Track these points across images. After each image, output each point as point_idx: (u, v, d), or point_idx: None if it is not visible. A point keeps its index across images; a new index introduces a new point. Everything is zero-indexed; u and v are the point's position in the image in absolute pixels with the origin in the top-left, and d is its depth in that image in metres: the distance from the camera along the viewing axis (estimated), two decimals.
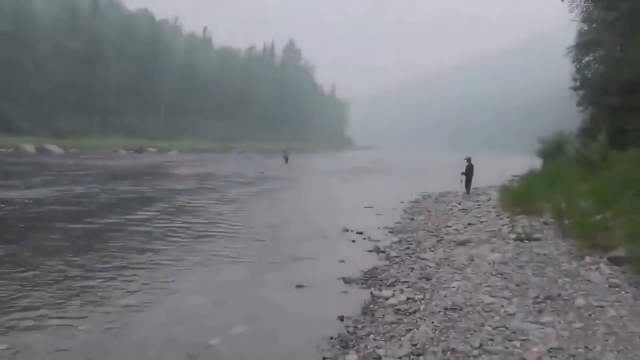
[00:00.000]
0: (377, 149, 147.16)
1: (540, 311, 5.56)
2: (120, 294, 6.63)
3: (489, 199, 18.35)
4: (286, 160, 44.41)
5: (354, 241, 10.61)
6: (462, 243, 9.77)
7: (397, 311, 5.81)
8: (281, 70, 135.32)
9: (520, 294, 6.21)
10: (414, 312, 5.72)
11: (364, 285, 7.25)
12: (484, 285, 6.70)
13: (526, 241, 9.37)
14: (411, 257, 8.97)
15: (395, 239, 10.84)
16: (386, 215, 14.73)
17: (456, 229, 11.72)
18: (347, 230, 11.78)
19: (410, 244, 10.18)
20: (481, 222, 12.65)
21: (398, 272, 7.82)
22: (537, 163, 29.65)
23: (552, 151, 30.72)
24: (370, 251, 9.67)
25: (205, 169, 33.38)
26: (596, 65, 30.43)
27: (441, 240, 10.47)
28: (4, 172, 24.13)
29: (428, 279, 7.26)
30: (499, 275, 7.15)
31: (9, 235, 10.06)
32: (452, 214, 14.68)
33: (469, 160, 20.87)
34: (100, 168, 31.16)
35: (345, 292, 6.97)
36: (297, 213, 14.59)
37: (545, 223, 11.09)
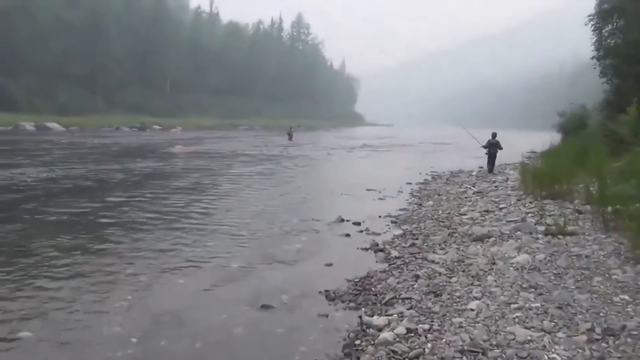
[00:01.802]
0: (388, 126, 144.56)
1: (602, 359, 3.79)
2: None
3: (507, 180, 16.49)
4: (290, 137, 42.53)
5: (348, 235, 8.82)
6: (479, 238, 7.98)
7: (392, 354, 4.05)
8: (289, 45, 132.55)
9: (566, 324, 4.44)
10: (416, 357, 3.97)
11: (351, 304, 5.50)
12: (513, 306, 4.93)
13: (559, 236, 7.55)
14: (416, 258, 7.20)
15: (399, 231, 9.05)
16: (390, 200, 12.95)
17: (471, 218, 9.91)
18: (343, 220, 10.02)
19: (416, 238, 8.39)
20: (500, 208, 10.83)
21: (398, 282, 6.06)
22: (548, 139, 27.63)
23: (573, 126, 28.64)
24: (367, 249, 7.90)
25: (203, 146, 31.67)
26: (620, 34, 28.74)
27: (453, 233, 8.68)
28: None
29: (437, 295, 5.50)
30: (532, 290, 5.37)
31: None
32: (465, 198, 12.85)
33: (494, 135, 18.93)
34: (95, 147, 29.62)
35: (326, 315, 5.21)
36: (287, 199, 12.79)
37: (578, 211, 9.26)
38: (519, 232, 8.05)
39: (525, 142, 36.48)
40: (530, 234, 7.92)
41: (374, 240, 8.38)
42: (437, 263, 6.78)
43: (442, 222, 9.80)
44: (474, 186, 14.91)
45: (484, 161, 23.59)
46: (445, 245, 7.93)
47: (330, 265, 7.01)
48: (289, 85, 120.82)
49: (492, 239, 7.88)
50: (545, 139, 24.14)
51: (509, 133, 48.16)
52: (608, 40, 27.83)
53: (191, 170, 18.71)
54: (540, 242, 7.40)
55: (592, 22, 32.22)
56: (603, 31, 28.70)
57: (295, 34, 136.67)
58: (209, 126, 72.92)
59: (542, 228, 8.19)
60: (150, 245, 7.73)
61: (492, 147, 18.89)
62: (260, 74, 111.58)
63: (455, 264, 6.67)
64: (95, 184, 14.58)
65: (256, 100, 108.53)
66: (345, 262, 7.16)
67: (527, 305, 4.92)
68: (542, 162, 17.88)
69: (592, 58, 27.32)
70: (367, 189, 14.62)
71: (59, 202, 11.24)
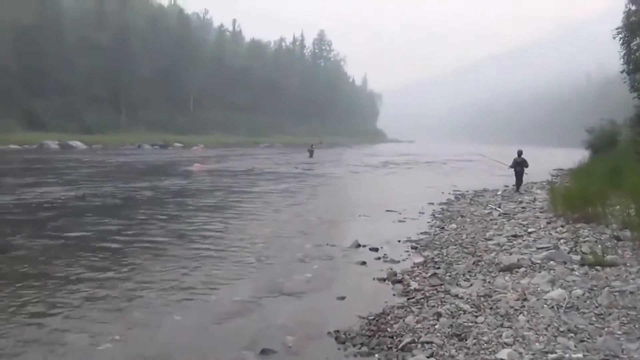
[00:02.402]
0: (410, 142, 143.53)
1: None
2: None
3: (534, 200, 15.67)
4: (311, 154, 42.10)
5: (364, 263, 8.18)
6: (507, 268, 7.27)
7: None
8: (311, 62, 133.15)
9: None
10: None
11: (363, 348, 4.86)
12: (550, 357, 4.24)
13: (597, 267, 6.81)
14: (438, 291, 6.53)
15: (419, 258, 8.38)
16: (411, 222, 12.27)
17: (498, 244, 9.18)
18: (360, 246, 9.38)
19: (438, 267, 7.72)
20: (529, 233, 10.07)
21: (417, 322, 5.40)
22: (575, 156, 26.65)
23: (603, 143, 27.61)
24: (384, 280, 7.24)
25: (221, 164, 31.39)
26: None
27: (479, 261, 7.97)
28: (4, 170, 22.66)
29: (462, 338, 4.83)
30: (571, 335, 4.67)
31: None
32: (491, 220, 12.10)
33: (519, 153, 18.41)
34: (112, 165, 29.59)
35: None
36: (302, 222, 12.18)
37: (616, 237, 8.45)
38: (551, 262, 7.32)
39: (552, 160, 35.44)
40: (564, 264, 7.19)
41: (391, 269, 7.73)
42: (462, 298, 6.10)
43: (466, 248, 9.10)
44: (499, 207, 14.13)
45: (508, 179, 22.81)
46: (470, 275, 7.24)
47: (342, 299, 6.38)
48: (311, 102, 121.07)
49: (522, 269, 7.16)
50: (572, 156, 23.17)
51: (534, 150, 47.06)
52: (637, 54, 27.00)
53: (205, 190, 18.32)
54: (577, 273, 6.67)
55: (620, 36, 31.27)
56: (632, 44, 27.89)
57: (317, 50, 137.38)
58: (230, 143, 73.13)
59: (577, 257, 7.45)
60: (150, 275, 7.22)
61: (518, 166, 18.39)
62: (282, 91, 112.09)
63: (482, 299, 5.99)
64: (100, 204, 14.22)
65: (279, 117, 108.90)
66: (359, 295, 6.53)
67: (567, 356, 4.22)
68: (572, 182, 17.08)
69: (621, 72, 26.42)
70: (386, 210, 13.99)
71: (57, 227, 10.85)
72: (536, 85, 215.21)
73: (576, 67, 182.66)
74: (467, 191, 19.08)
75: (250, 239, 9.84)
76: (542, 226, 10.71)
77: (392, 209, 14.09)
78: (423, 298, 6.27)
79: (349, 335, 5.20)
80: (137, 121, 76.13)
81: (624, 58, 26.57)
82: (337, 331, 5.27)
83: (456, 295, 6.22)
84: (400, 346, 4.81)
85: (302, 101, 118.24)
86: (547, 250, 8.28)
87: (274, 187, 19.77)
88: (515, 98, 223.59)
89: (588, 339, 4.58)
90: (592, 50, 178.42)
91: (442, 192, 18.49)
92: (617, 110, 40.82)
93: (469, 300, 5.99)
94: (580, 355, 4.22)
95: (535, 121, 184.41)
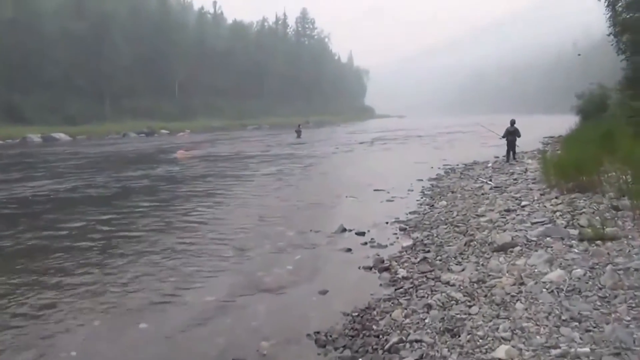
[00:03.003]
0: (400, 117, 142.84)
1: None
2: None
3: (526, 170, 15.23)
4: (298, 135, 41.38)
5: (349, 250, 7.68)
6: (501, 248, 6.79)
7: None
8: (295, 41, 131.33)
9: None
10: None
11: (346, 352, 4.38)
12: (554, 352, 3.77)
13: (597, 242, 6.36)
14: (428, 278, 6.05)
15: (408, 241, 7.88)
16: (399, 201, 11.79)
17: (490, 220, 8.71)
18: (345, 230, 8.88)
19: (428, 250, 7.24)
20: (522, 206, 9.61)
21: (405, 317, 4.92)
22: (565, 123, 26.19)
23: (593, 107, 27.12)
24: (370, 268, 6.75)
25: (207, 150, 30.68)
26: (636, 6, 27.59)
27: (471, 241, 7.49)
28: None
29: (454, 335, 4.35)
30: (575, 324, 4.20)
31: None
32: (482, 195, 11.62)
33: (512, 123, 18.17)
34: (95, 155, 28.82)
35: None
36: (286, 207, 11.60)
37: (615, 207, 7.99)
38: (548, 239, 6.86)
39: (542, 127, 34.96)
40: (562, 241, 6.72)
41: (378, 256, 7.24)
42: (453, 285, 5.61)
43: (457, 226, 8.62)
44: (490, 180, 13.67)
45: (499, 150, 22.35)
46: (462, 258, 6.77)
47: (324, 293, 5.89)
48: (297, 82, 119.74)
49: (517, 248, 6.69)
50: (561, 122, 22.69)
51: (523, 118, 46.61)
52: (623, 15, 26.49)
53: (188, 177, 17.72)
54: (576, 250, 6.21)
55: None
56: (617, 6, 27.33)
57: (300, 29, 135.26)
58: (217, 127, 72.20)
59: (574, 232, 6.99)
60: (118, 276, 6.69)
61: (511, 135, 18.12)
62: (267, 72, 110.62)
63: (475, 286, 5.51)
64: (75, 198, 13.60)
65: (265, 99, 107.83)
66: (343, 287, 6.04)
67: (572, 350, 3.75)
68: (564, 150, 16.59)
69: (608, 35, 25.86)
70: (374, 189, 13.48)
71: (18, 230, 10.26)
72: (524, 55, 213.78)
73: (564, 34, 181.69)
74: (457, 165, 18.61)
75: (230, 228, 9.31)
76: (535, 198, 10.25)
77: (380, 187, 13.60)
78: (412, 287, 5.79)
79: (331, 336, 4.71)
80: (121, 110, 74.73)
81: (609, 20, 26.04)
82: (318, 332, 4.79)
83: (447, 283, 5.74)
84: (386, 347, 4.32)
85: (288, 81, 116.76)
86: (543, 224, 7.81)
87: (259, 170, 19.18)
88: (504, 68, 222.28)
89: (594, 327, 4.12)
90: (578, 15, 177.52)
91: (432, 167, 18.01)
92: (603, 75, 40.33)
93: (462, 287, 5.51)
94: (587, 349, 3.75)
95: (524, 90, 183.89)
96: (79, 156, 28.47)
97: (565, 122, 26.41)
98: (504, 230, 7.78)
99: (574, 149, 13.92)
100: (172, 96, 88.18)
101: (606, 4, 29.90)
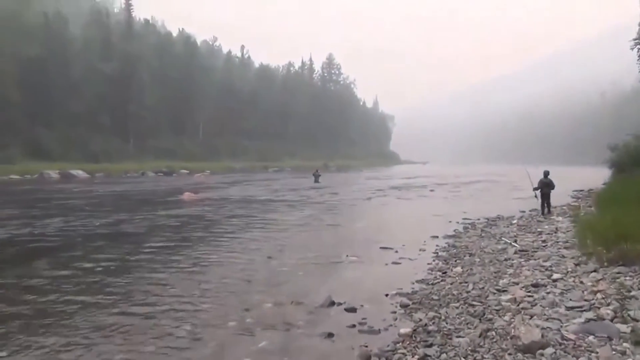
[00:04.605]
0: (423, 163, 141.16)
1: None
2: None
3: (556, 230, 13.43)
4: (316, 179, 40.05)
5: (330, 336, 5.99)
6: (527, 349, 5.07)
7: None
8: (320, 86, 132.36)
9: None
10: None
11: None
12: None
13: None
14: None
15: (407, 327, 6.16)
16: (408, 264, 10.10)
17: (514, 299, 7.00)
18: (333, 304, 7.23)
19: (430, 344, 5.53)
20: (554, 281, 7.87)
21: None
22: (596, 175, 24.35)
23: (629, 160, 25.17)
24: None
25: (217, 192, 29.45)
26: None
27: (488, 330, 5.78)
28: None
29: None
30: None
31: None
32: (505, 260, 9.88)
33: (546, 174, 17.07)
34: (102, 194, 27.93)
35: None
36: (273, 267, 9.68)
37: None
38: (591, 338, 5.14)
39: (568, 179, 32.76)
40: (609, 342, 5.01)
41: (366, 347, 5.56)
42: None
43: (473, 305, 6.91)
44: (515, 242, 11.89)
45: (525, 203, 20.59)
46: (475, 359, 5.07)
47: None
48: (322, 126, 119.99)
49: (549, 350, 4.97)
50: (591, 175, 20.91)
51: (552, 169, 44.56)
52: None
53: (184, 223, 16.34)
54: None
55: (638, 47, 29.35)
56: None
57: (326, 74, 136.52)
58: (239, 169, 71.68)
59: (626, 328, 5.27)
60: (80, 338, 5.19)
61: (545, 187, 16.99)
62: (292, 115, 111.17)
63: None
64: (61, 243, 12.32)
65: (290, 141, 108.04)
66: None
67: None
68: (599, 208, 14.75)
69: None
70: (381, 247, 11.84)
71: None
72: (547, 104, 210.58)
73: (589, 84, 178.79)
74: (479, 219, 16.85)
75: (194, 296, 7.70)
76: (569, 270, 8.51)
77: (388, 245, 11.94)
78: None
79: None
80: (144, 149, 75.07)
81: None
82: None
83: None
84: None
85: (313, 125, 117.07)
86: (581, 311, 6.11)
87: (260, 218, 17.69)
88: (527, 117, 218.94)
89: None
90: (604, 67, 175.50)
91: (450, 221, 16.28)
92: (633, 127, 38.28)
93: None
94: None
95: (547, 140, 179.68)
96: (87, 195, 27.60)
97: (590, 174, 24.62)
98: (531, 317, 6.08)
99: (612, 209, 12.15)
100: (196, 136, 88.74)
101: (638, 53, 28.50)
